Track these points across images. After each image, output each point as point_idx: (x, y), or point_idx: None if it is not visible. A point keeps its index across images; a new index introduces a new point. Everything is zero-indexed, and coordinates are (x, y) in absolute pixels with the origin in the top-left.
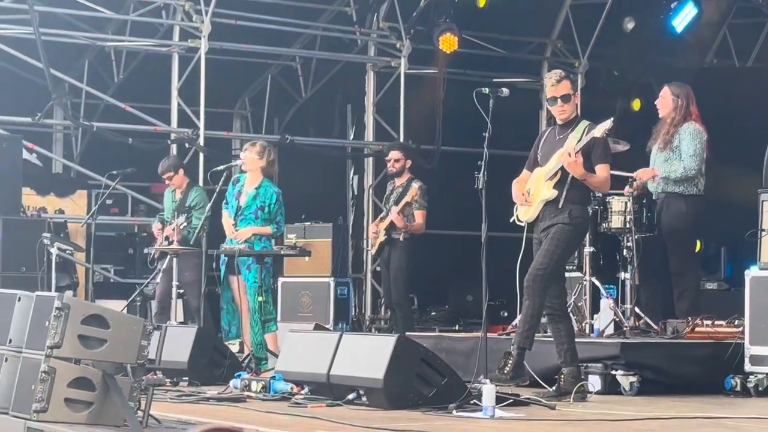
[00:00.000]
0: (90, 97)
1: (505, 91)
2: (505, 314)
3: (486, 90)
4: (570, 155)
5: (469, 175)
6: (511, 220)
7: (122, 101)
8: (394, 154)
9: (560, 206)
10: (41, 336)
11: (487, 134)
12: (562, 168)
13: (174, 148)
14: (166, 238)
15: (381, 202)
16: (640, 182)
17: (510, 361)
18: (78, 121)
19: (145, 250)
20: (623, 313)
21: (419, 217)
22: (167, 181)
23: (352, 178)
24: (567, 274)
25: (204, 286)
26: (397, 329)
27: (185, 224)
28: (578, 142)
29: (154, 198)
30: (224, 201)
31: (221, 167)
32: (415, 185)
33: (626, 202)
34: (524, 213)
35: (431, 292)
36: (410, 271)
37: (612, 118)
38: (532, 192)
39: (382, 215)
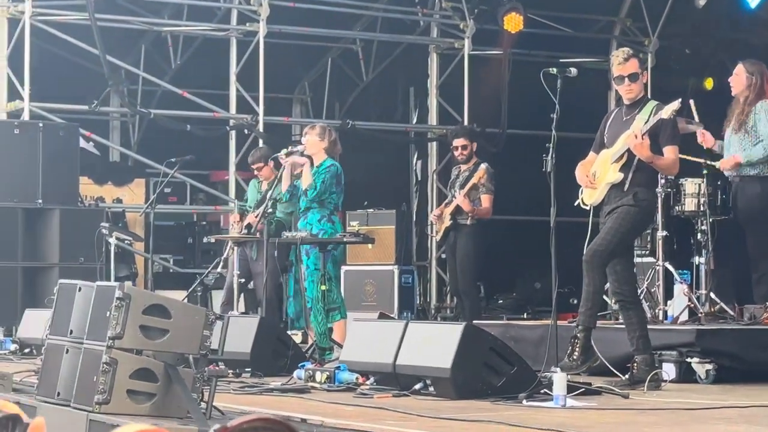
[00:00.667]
0: (147, 84)
1: (573, 71)
2: (575, 301)
3: (553, 70)
4: (636, 137)
5: (537, 159)
6: (576, 204)
7: (180, 87)
8: (459, 141)
9: (626, 189)
10: (102, 327)
11: (555, 116)
12: (628, 150)
13: (233, 135)
14: (248, 226)
15: (445, 187)
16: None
17: (577, 345)
18: (135, 109)
19: (205, 239)
20: (698, 298)
21: (486, 201)
22: (256, 172)
23: (416, 163)
24: (639, 260)
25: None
26: (463, 317)
27: (270, 211)
28: (645, 123)
29: (213, 186)
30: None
31: (283, 152)
32: (482, 168)
33: (700, 185)
34: (589, 196)
35: (498, 280)
36: (477, 257)
37: (680, 99)
38: (598, 175)
39: (447, 200)
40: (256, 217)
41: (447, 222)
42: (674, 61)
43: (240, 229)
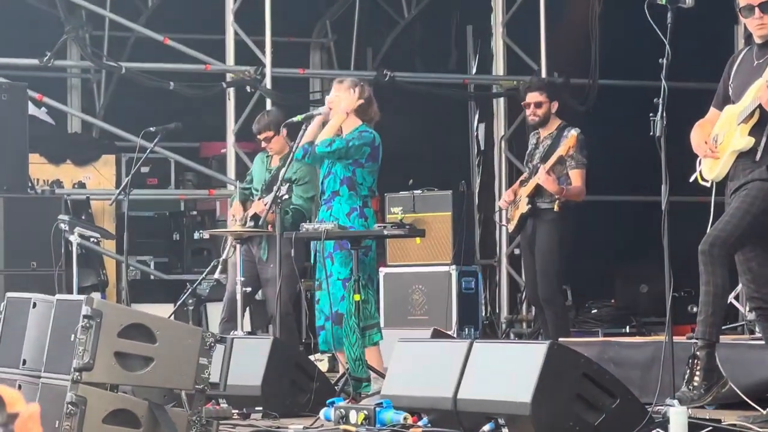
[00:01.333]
0: (116, 28)
1: (689, 0)
2: (695, 309)
3: (662, 0)
4: None
5: (640, 119)
6: (691, 179)
7: (160, 32)
8: (533, 97)
9: (757, 158)
10: (66, 355)
11: (665, 61)
12: (760, 107)
13: (231, 94)
14: (254, 216)
15: (519, 160)
16: None
17: (698, 368)
18: (101, 62)
19: (196, 235)
20: None
21: (577, 177)
22: (264, 143)
23: (477, 127)
24: None
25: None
26: (546, 334)
27: (285, 195)
28: None
29: (205, 163)
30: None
31: (299, 117)
32: (571, 134)
33: None
34: (709, 169)
35: (590, 282)
36: (564, 253)
37: None
38: (721, 140)
39: (523, 177)
40: (265, 204)
41: (523, 207)
42: None
43: (244, 220)
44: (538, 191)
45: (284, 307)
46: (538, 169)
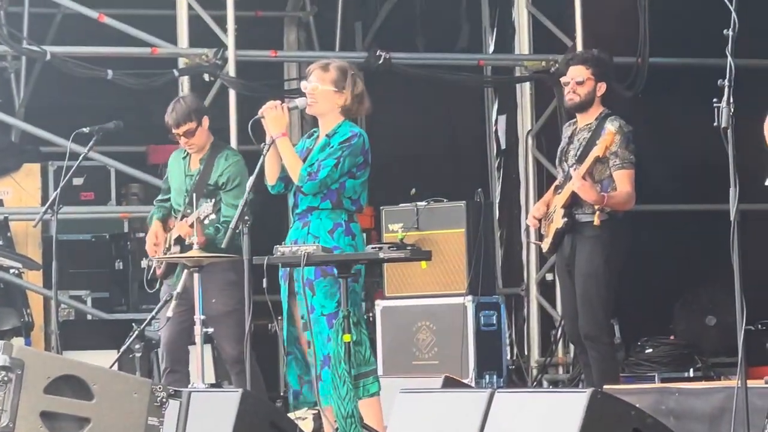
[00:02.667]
0: (38, 3)
1: None
2: None
3: None
4: None
5: (701, 106)
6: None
7: (94, 7)
8: (575, 71)
9: None
10: None
11: (731, 33)
12: None
13: (185, 83)
14: (178, 240)
15: (550, 161)
16: None
17: None
18: (19, 46)
19: (143, 263)
20: None
21: (623, 180)
22: (182, 140)
23: (497, 120)
24: None
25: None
26: (589, 380)
27: (210, 215)
28: None
29: (153, 172)
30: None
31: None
32: (612, 127)
33: None
34: None
35: (644, 314)
36: (611, 278)
37: None
38: None
39: (557, 182)
40: (190, 225)
41: (558, 221)
42: None
43: (168, 245)
44: (575, 200)
45: (237, 348)
46: (574, 172)
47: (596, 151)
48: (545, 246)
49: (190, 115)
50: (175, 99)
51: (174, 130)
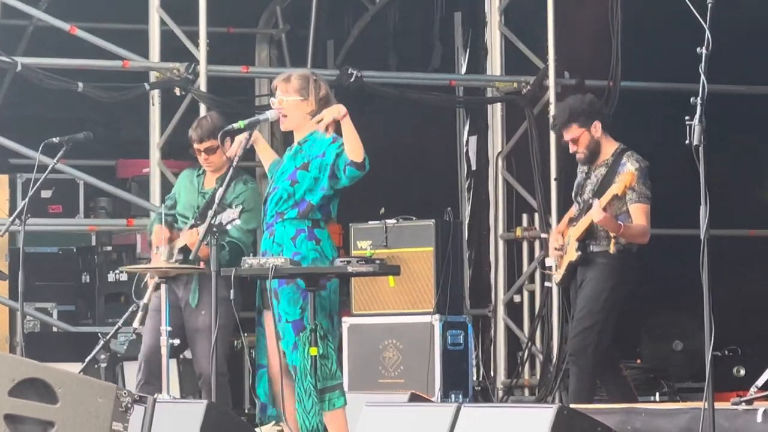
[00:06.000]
0: (10, 15)
1: None
2: (742, 372)
3: None
4: None
5: (674, 127)
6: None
7: (65, 20)
8: (568, 134)
9: None
10: None
11: (704, 51)
12: None
13: (156, 97)
14: (183, 249)
15: (521, 182)
16: None
17: None
18: None
19: (111, 275)
20: None
21: (639, 214)
22: (202, 156)
23: (468, 140)
24: None
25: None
26: (564, 396)
27: (235, 221)
28: None
29: (123, 186)
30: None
31: (241, 123)
32: (631, 166)
33: None
34: None
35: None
36: (612, 306)
37: None
38: None
39: (570, 214)
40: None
41: (572, 253)
42: None
43: (170, 252)
44: (590, 233)
45: (219, 365)
46: (591, 204)
47: (615, 189)
48: (558, 277)
49: (215, 132)
50: (202, 116)
51: (196, 146)
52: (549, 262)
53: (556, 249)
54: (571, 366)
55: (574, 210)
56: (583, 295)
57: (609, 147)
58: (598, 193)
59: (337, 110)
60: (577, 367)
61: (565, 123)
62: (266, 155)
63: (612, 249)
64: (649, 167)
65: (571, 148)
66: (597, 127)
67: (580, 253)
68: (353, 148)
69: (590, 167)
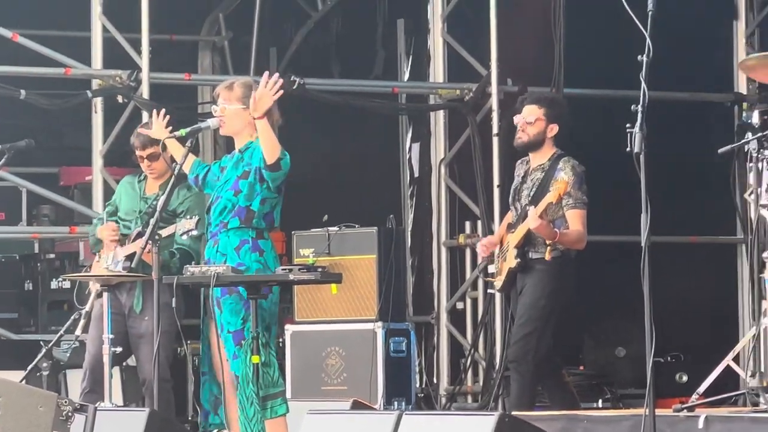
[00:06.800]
0: None
1: None
2: (685, 378)
3: None
4: None
5: (614, 136)
6: None
7: (7, 26)
8: (528, 111)
9: None
10: None
11: (644, 59)
12: None
13: (98, 105)
14: (130, 257)
15: (464, 189)
16: None
17: None
18: None
19: (54, 283)
20: None
21: (576, 220)
22: (145, 162)
23: (410, 148)
24: None
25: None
26: (507, 402)
27: (193, 231)
28: None
29: (65, 193)
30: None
31: (182, 132)
32: (566, 167)
33: None
34: None
35: (554, 343)
36: (551, 312)
37: None
38: None
39: (509, 219)
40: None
41: (512, 260)
42: None
43: (112, 259)
44: (528, 239)
45: (162, 371)
46: (528, 211)
47: (550, 197)
48: (498, 284)
49: (154, 140)
50: (144, 122)
51: (138, 152)
52: (491, 269)
53: (485, 246)
54: (512, 373)
55: (511, 215)
56: (523, 302)
57: (548, 151)
58: (535, 198)
59: (262, 104)
60: (518, 374)
61: (534, 101)
62: (184, 158)
63: (548, 256)
64: (586, 172)
65: (519, 129)
66: (553, 129)
67: (519, 260)
68: (266, 150)
69: (527, 171)
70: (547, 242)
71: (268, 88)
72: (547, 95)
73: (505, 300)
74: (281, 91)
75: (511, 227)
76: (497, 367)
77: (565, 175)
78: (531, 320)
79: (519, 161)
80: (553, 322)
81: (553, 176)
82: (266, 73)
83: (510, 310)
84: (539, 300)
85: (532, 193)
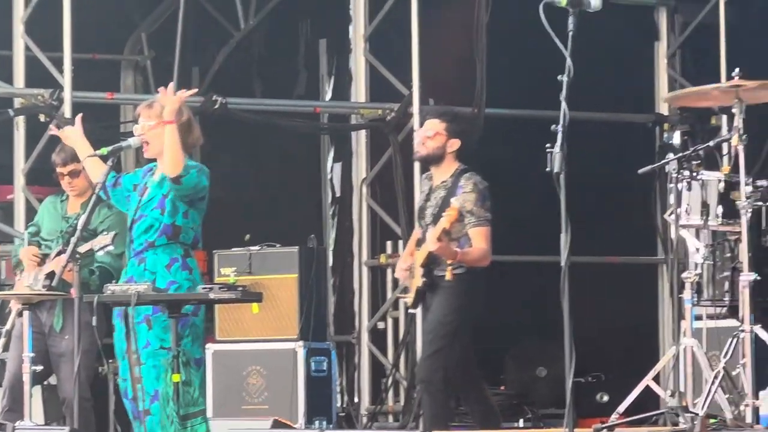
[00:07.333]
0: None
1: (595, 3)
2: (605, 398)
3: (562, 2)
4: None
5: (536, 154)
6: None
7: None
8: (429, 125)
9: None
10: None
11: (565, 78)
12: None
13: (21, 124)
14: (49, 275)
15: (386, 209)
16: None
17: None
18: None
19: None
20: None
21: (479, 238)
22: (66, 180)
23: (332, 167)
24: (713, 323)
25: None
26: (422, 424)
27: (109, 246)
28: None
29: None
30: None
31: (104, 150)
32: (467, 183)
33: None
34: None
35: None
36: (458, 329)
37: None
38: None
39: (418, 235)
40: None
41: (418, 279)
42: None
43: (33, 277)
44: (432, 258)
45: (82, 390)
46: (429, 232)
47: (444, 223)
48: (409, 301)
49: (77, 157)
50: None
51: (59, 169)
52: (397, 276)
53: (402, 269)
54: (424, 393)
55: (419, 232)
56: (429, 320)
57: (450, 166)
58: (437, 217)
59: (168, 108)
60: (428, 393)
61: (435, 115)
62: (96, 171)
63: (449, 275)
64: (489, 188)
65: (418, 143)
66: (454, 144)
67: (425, 279)
68: (168, 160)
69: (431, 188)
70: (448, 262)
71: (169, 93)
72: (449, 110)
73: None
74: (187, 92)
75: (419, 243)
76: (418, 386)
77: (469, 183)
78: (437, 338)
79: (423, 176)
80: (464, 339)
81: (455, 193)
82: (161, 87)
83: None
84: (445, 317)
85: (435, 212)
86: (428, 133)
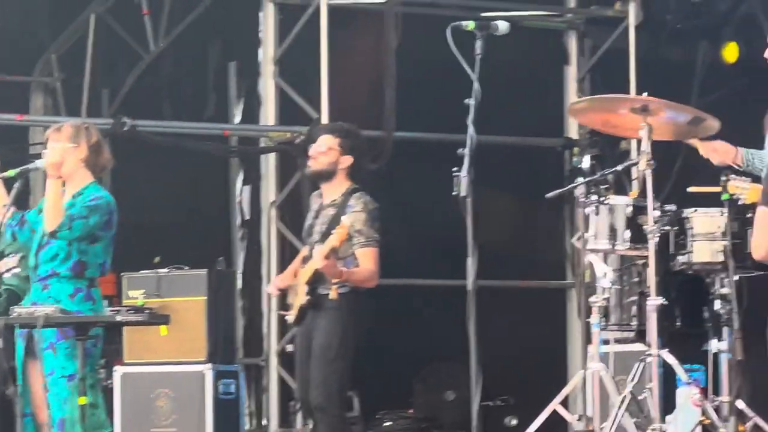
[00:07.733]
0: None
1: (503, 26)
2: (514, 422)
3: (470, 25)
4: None
5: (443, 178)
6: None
7: None
8: (322, 140)
9: None
10: None
11: (473, 102)
12: None
13: None
14: None
15: (295, 233)
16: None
17: None
18: None
19: None
20: (716, 410)
21: (366, 259)
22: None
23: (241, 190)
24: (619, 347)
25: None
26: None
27: (15, 268)
28: None
29: None
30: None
31: (11, 172)
32: (357, 203)
33: (719, 220)
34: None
35: (383, 387)
36: (348, 350)
37: None
38: None
39: (304, 253)
40: None
41: (302, 296)
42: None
43: None
44: (318, 276)
45: None
46: (316, 250)
47: (333, 241)
48: (291, 317)
49: None
50: None
51: None
52: (268, 291)
53: (277, 286)
54: (320, 422)
55: (306, 250)
56: (317, 344)
57: (341, 185)
58: (325, 235)
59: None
60: (327, 417)
61: (329, 131)
62: (1, 194)
63: (333, 294)
64: (376, 211)
65: (312, 158)
66: (346, 161)
67: (309, 297)
68: (45, 216)
69: (321, 205)
70: (333, 281)
71: (50, 149)
72: (343, 126)
73: None
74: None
75: (305, 261)
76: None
77: (359, 203)
78: (328, 362)
79: (314, 193)
80: (350, 358)
81: (344, 212)
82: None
83: (298, 345)
84: (333, 340)
85: (323, 230)
86: (321, 149)
